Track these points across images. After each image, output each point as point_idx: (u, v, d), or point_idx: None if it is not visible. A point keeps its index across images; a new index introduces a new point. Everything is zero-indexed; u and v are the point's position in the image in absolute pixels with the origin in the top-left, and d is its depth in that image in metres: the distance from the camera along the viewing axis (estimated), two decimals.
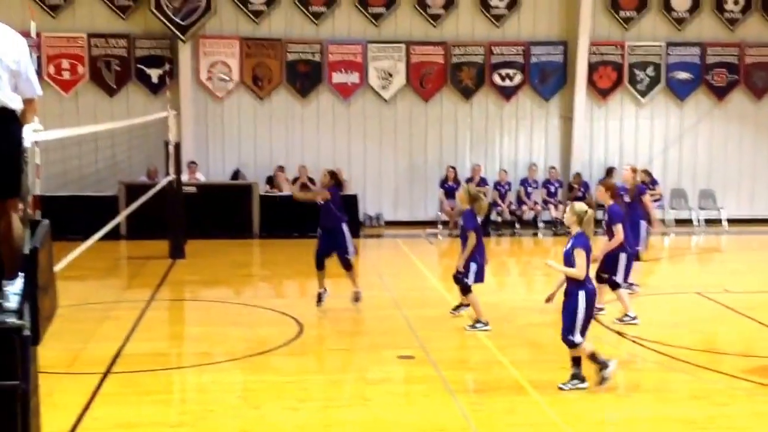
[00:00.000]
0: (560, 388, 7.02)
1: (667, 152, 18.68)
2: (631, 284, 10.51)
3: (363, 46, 17.61)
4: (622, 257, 9.38)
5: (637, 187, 11.02)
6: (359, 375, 7.59)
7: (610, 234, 9.34)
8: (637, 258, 10.61)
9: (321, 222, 10.15)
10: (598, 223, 8.91)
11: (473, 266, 9.19)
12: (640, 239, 10.76)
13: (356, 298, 10.10)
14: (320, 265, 10.08)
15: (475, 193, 9.52)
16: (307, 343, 8.77)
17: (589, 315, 7.03)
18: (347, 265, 10.08)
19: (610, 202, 9.54)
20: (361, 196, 17.23)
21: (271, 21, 17.44)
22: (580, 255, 6.89)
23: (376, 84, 17.77)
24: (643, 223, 10.83)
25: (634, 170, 11.29)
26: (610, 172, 17.90)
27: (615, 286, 9.47)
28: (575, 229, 7.03)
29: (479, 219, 9.44)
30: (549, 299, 7.41)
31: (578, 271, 6.88)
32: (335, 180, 10.24)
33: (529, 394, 7.01)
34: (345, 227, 10.02)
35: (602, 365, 7.07)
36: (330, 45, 17.53)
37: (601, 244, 9.39)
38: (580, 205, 7.13)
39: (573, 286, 6.96)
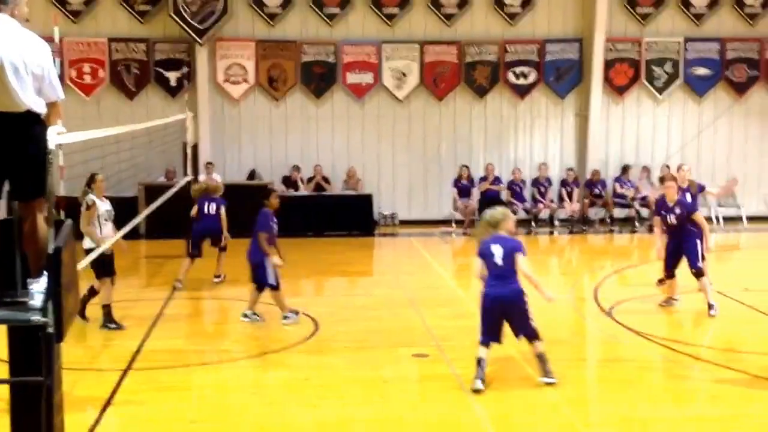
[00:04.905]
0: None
1: (685, 149, 18.58)
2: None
3: (377, 46, 17.68)
4: (698, 244, 9.63)
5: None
6: (374, 373, 7.64)
7: (695, 225, 9.62)
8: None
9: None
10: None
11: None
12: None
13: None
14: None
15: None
16: (323, 341, 8.86)
17: (483, 315, 7.05)
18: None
19: (676, 197, 9.76)
20: (376, 195, 17.34)
21: (286, 23, 17.55)
22: (521, 258, 7.04)
23: (390, 84, 17.83)
24: None
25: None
26: (626, 169, 17.89)
27: (700, 274, 9.63)
28: (492, 232, 7.08)
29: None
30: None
31: (532, 273, 7.13)
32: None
33: (545, 393, 7.01)
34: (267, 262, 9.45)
35: (479, 375, 6.94)
36: (344, 46, 17.61)
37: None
38: (491, 213, 7.22)
39: None
